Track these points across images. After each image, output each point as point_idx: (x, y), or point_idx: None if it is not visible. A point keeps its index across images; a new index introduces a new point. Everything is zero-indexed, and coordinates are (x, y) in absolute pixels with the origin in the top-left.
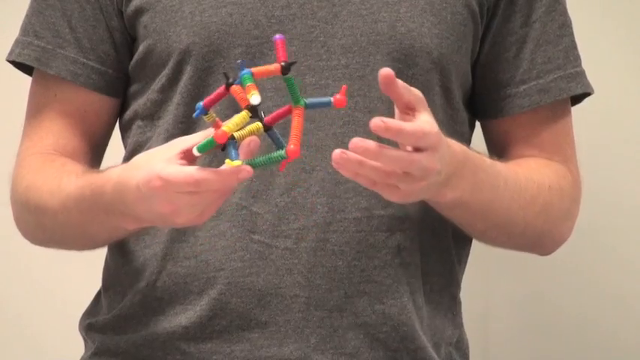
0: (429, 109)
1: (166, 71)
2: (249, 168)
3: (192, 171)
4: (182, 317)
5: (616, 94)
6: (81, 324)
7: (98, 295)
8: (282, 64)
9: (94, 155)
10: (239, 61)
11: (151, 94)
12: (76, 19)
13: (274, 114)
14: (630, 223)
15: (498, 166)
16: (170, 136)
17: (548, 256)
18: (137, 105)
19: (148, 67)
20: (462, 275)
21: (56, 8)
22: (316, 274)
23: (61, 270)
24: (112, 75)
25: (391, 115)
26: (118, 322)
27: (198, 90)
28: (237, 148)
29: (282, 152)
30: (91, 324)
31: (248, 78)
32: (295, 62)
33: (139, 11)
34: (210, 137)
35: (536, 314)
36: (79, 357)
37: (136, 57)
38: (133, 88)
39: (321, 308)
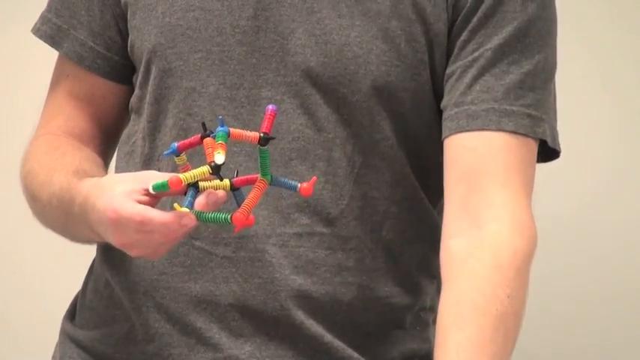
0: None
1: (142, 68)
2: (192, 217)
3: (140, 210)
4: (128, 320)
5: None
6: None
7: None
8: (262, 134)
9: (104, 139)
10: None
11: (136, 88)
12: (91, 2)
13: (244, 177)
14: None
15: None
16: (145, 136)
17: (546, 258)
18: (132, 97)
19: (133, 61)
20: (435, 289)
21: None
22: (252, 284)
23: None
24: (117, 61)
25: (339, 131)
26: (81, 315)
27: (161, 91)
28: (194, 197)
29: (227, 216)
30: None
31: (222, 136)
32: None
33: (126, 6)
34: (165, 180)
35: (535, 314)
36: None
37: (128, 48)
38: (134, 78)
39: (256, 319)
